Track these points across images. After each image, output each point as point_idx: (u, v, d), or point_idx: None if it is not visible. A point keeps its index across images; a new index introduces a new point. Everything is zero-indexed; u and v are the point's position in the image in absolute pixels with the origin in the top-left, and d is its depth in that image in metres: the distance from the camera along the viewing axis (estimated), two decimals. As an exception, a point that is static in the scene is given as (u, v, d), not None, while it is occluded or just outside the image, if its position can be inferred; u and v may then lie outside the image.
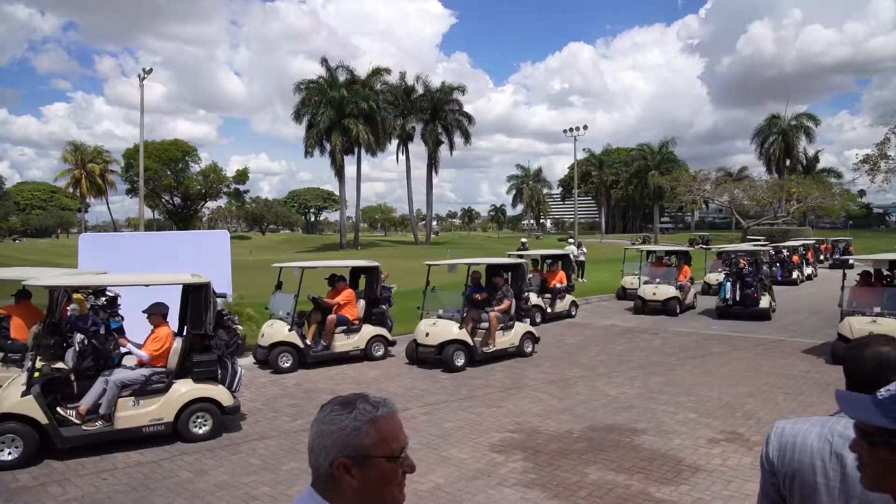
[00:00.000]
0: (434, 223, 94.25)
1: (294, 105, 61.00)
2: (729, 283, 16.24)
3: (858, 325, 10.37)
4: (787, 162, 69.04)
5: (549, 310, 15.93)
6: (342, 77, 61.63)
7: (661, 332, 14.42)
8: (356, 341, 11.28)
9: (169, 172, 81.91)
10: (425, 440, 6.96)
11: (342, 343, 11.17)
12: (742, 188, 55.33)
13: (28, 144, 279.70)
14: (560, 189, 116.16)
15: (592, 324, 15.75)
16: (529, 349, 11.64)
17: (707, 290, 22.15)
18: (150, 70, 34.53)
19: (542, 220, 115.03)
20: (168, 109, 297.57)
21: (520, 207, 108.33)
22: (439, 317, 11.05)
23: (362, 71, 63.87)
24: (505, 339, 11.29)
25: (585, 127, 51.00)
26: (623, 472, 5.93)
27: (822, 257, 36.47)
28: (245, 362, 9.93)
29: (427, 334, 10.73)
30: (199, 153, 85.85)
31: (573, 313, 16.79)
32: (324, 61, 61.60)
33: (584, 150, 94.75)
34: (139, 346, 7.25)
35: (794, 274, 25.78)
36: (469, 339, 10.69)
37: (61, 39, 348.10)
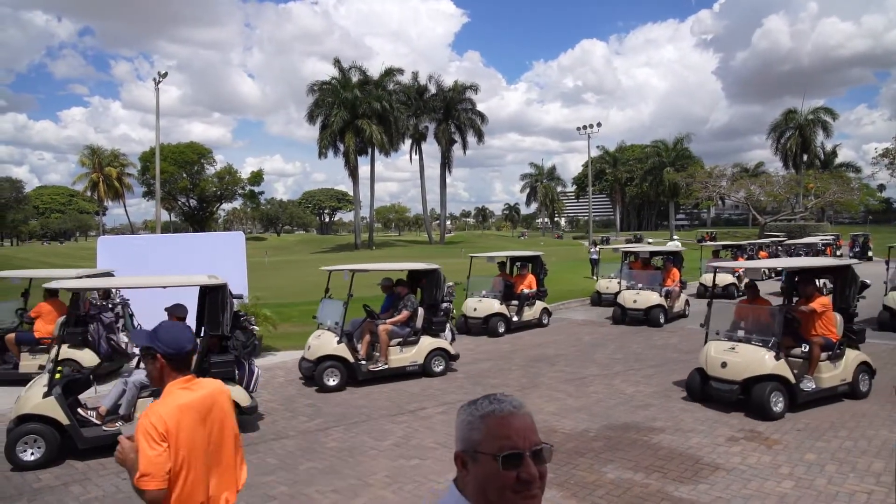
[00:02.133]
0: (448, 222, 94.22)
1: (308, 106, 61.41)
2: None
3: (714, 353, 8.12)
4: (805, 157, 68.12)
5: (514, 318, 14.41)
6: (355, 78, 61.93)
7: (678, 329, 14.32)
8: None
9: (185, 175, 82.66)
10: (442, 439, 6.97)
11: (27, 363, 9.72)
12: (758, 184, 54.73)
13: (46, 149, 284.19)
14: (574, 187, 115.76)
15: (608, 322, 15.65)
16: (440, 368, 10.17)
17: (704, 292, 19.21)
18: (166, 74, 34.88)
19: (556, 219, 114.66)
20: (183, 112, 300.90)
21: (534, 206, 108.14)
22: (329, 328, 9.86)
23: (375, 71, 64.18)
24: (404, 356, 9.95)
25: (599, 124, 50.77)
26: (641, 471, 5.89)
27: (839, 253, 36.11)
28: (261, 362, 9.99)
29: (309, 347, 9.68)
30: (214, 155, 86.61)
31: (545, 321, 15.19)
32: (337, 62, 61.93)
33: (598, 147, 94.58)
34: None
35: None
36: (348, 355, 9.40)
37: (78, 45, 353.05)
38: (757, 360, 7.65)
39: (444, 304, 10.77)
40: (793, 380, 7.59)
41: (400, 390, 9.30)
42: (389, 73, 63.67)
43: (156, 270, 10.53)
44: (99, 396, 7.56)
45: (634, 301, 15.06)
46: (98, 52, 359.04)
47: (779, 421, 7.34)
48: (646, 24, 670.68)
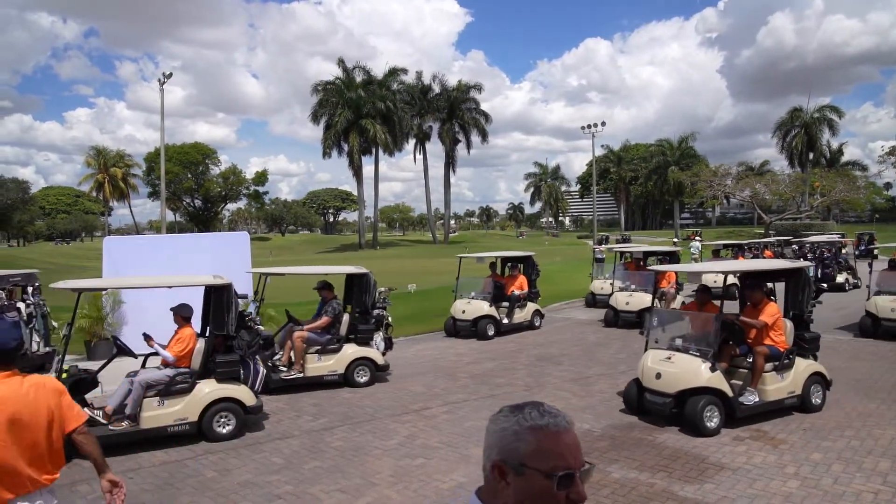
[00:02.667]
0: (452, 222, 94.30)
1: (312, 106, 61.56)
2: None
3: (650, 364, 7.61)
4: (810, 155, 67.89)
5: (505, 320, 13.94)
6: (359, 78, 62.02)
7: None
8: None
9: (189, 175, 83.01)
10: (447, 439, 6.97)
11: None
12: (764, 183, 54.58)
13: (52, 150, 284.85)
14: (578, 186, 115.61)
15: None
16: (363, 379, 9.56)
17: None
18: (171, 74, 35.00)
19: (560, 218, 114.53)
20: (188, 113, 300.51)
21: (538, 205, 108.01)
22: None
23: (379, 71, 64.21)
24: (322, 365, 9.42)
25: (604, 123, 50.87)
26: (646, 471, 5.88)
27: (844, 251, 36.03)
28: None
29: None
30: (218, 156, 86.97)
31: (536, 324, 14.72)
32: (341, 62, 62.04)
33: (602, 146, 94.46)
34: (164, 347, 7.36)
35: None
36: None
37: (83, 46, 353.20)
38: (691, 371, 7.09)
39: (376, 312, 10.16)
40: (730, 393, 7.02)
41: (404, 390, 9.31)
42: (393, 72, 63.74)
43: (161, 270, 10.57)
44: (105, 396, 7.59)
45: (627, 303, 14.56)
46: (102, 53, 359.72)
47: (784, 420, 7.32)
48: (650, 23, 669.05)
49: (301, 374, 9.28)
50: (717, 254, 24.01)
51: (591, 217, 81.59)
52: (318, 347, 9.49)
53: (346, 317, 9.90)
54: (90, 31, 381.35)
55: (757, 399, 7.28)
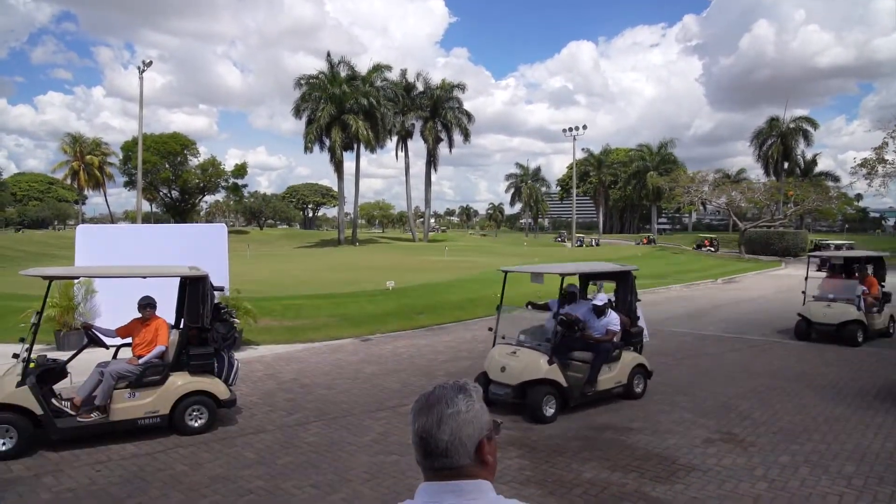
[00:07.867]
0: (432, 221, 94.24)
1: (294, 100, 61.00)
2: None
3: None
4: (785, 165, 69.11)
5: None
6: (343, 73, 61.60)
7: (656, 332, 14.42)
8: None
9: (167, 165, 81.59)
10: (421, 436, 6.95)
11: None
12: (740, 190, 55.34)
13: (25, 135, 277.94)
14: (558, 188, 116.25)
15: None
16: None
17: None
18: (150, 62, 34.51)
19: (539, 219, 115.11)
20: (166, 102, 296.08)
21: (518, 206, 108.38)
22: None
23: (363, 67, 63.91)
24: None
25: (585, 127, 51.29)
26: (618, 471, 5.94)
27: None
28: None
29: None
30: (197, 147, 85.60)
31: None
32: (328, 57, 61.64)
33: (583, 149, 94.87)
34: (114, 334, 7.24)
35: None
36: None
37: (57, 31, 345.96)
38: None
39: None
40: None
41: (380, 386, 9.28)
42: (377, 69, 63.41)
43: (136, 260, 10.39)
44: (74, 387, 7.45)
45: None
46: (79, 38, 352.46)
47: (754, 424, 7.44)
48: (635, 28, 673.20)
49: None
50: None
51: (569, 219, 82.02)
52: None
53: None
54: (66, 15, 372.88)
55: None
